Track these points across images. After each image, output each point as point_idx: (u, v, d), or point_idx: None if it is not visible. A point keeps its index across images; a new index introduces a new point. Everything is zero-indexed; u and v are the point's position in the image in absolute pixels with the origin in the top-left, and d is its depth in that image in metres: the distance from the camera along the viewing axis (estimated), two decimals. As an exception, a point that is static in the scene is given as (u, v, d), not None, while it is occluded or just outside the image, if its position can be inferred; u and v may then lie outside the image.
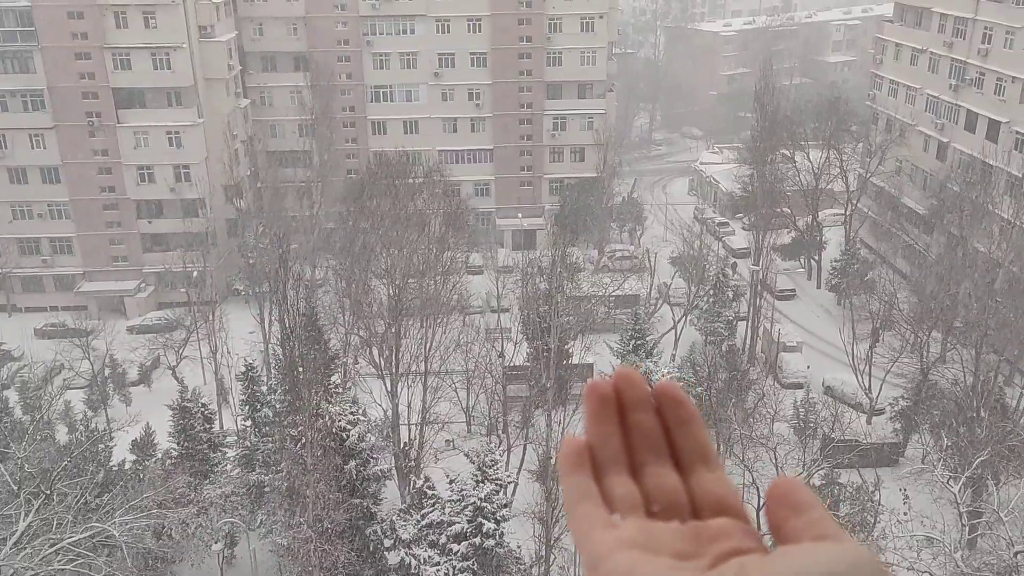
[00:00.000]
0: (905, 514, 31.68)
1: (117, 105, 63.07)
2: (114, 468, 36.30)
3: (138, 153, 63.96)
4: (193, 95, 63.58)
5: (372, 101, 73.38)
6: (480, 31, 71.63)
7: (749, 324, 56.20)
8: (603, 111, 74.38)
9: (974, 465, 32.39)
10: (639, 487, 1.01)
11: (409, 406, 42.51)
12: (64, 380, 49.64)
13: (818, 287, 66.68)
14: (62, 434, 42.72)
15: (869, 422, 46.07)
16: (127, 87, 62.79)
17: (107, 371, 51.87)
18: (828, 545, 0.90)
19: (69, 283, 66.94)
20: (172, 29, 61.52)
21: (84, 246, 66.40)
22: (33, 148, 63.79)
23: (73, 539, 28.78)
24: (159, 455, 39.55)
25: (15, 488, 30.52)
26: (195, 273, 55.91)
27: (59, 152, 63.85)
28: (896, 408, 44.25)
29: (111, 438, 39.22)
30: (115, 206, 65.54)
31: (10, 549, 27.65)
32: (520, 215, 74.71)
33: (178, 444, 38.38)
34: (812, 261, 68.56)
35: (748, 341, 55.90)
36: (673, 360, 49.52)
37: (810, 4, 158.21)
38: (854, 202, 66.22)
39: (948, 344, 45.46)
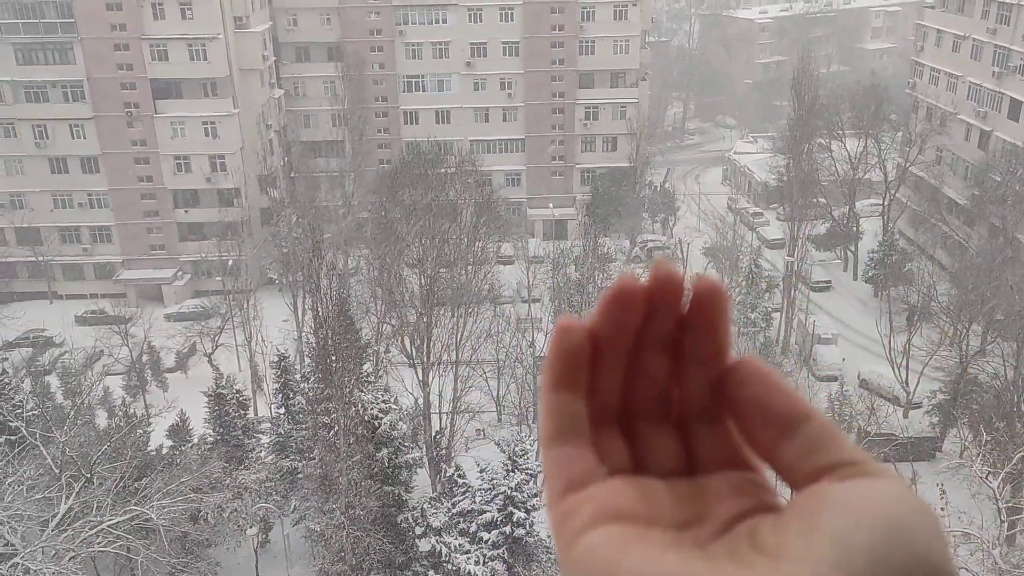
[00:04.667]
0: (942, 509, 31.19)
1: (154, 95, 63.90)
2: (152, 453, 36.96)
3: (175, 143, 64.79)
4: (228, 85, 64.21)
5: (404, 91, 73.55)
6: (512, 20, 71.39)
7: (783, 315, 55.60)
8: (636, 100, 73.81)
9: (1014, 460, 31.80)
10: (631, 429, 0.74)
11: (440, 395, 42.71)
12: (103, 366, 50.54)
13: (855, 279, 65.70)
14: (102, 419, 43.59)
15: (906, 416, 45.39)
16: (164, 78, 63.60)
17: (145, 358, 52.72)
18: (863, 489, 0.62)
19: (108, 271, 68.11)
20: (208, 20, 62.13)
21: (123, 235, 67.48)
22: (73, 138, 64.89)
23: (112, 522, 29.38)
24: (195, 440, 40.18)
25: (57, 471, 31.21)
26: (230, 262, 56.58)
27: (98, 142, 64.87)
28: (934, 402, 43.53)
29: (149, 423, 39.89)
30: (152, 195, 66.49)
31: (52, 531, 28.31)
32: (551, 205, 74.48)
33: (213, 430, 38.95)
34: (848, 252, 67.56)
35: (782, 333, 55.33)
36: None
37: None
38: (892, 192, 65.12)
39: (988, 337, 44.58)
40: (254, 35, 65.52)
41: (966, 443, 39.95)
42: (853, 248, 66.70)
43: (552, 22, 71.37)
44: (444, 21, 71.49)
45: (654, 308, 0.70)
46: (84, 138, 64.84)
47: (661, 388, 0.73)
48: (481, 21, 71.44)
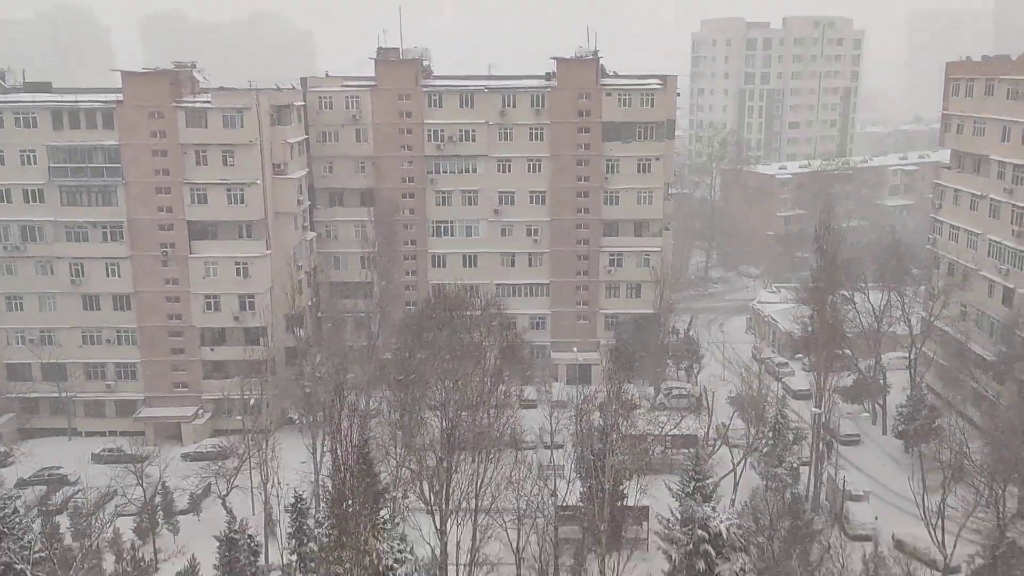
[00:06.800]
0: None
1: (191, 236, 65.94)
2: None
3: (207, 283, 66.28)
4: (263, 228, 66.26)
5: (433, 235, 75.54)
6: (540, 171, 74.00)
7: (812, 470, 54.02)
8: (659, 249, 75.14)
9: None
10: None
11: (458, 545, 41.28)
12: (116, 507, 49.68)
13: (883, 433, 64.21)
14: (109, 563, 42.35)
15: (945, 581, 43.05)
16: (201, 220, 65.78)
17: (158, 499, 51.81)
18: None
19: (130, 408, 68.22)
20: (248, 167, 64.88)
21: (147, 372, 68.00)
22: (108, 276, 66.62)
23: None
24: (202, 588, 38.77)
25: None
26: (252, 401, 56.43)
27: (132, 280, 66.53)
28: (973, 566, 41.39)
29: (156, 569, 38.73)
30: (180, 333, 67.41)
31: None
32: (575, 349, 74.53)
33: (222, 577, 37.60)
34: (876, 405, 66.35)
35: (811, 488, 53.58)
36: (732, 505, 47.52)
37: (865, 150, 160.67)
38: (918, 346, 64.55)
39: (1027, 499, 42.80)
40: (291, 181, 68.12)
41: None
42: (881, 402, 65.56)
43: (578, 173, 73.89)
44: (474, 171, 74.26)
45: None
46: (119, 276, 66.54)
47: None
48: (509, 172, 74.11)
